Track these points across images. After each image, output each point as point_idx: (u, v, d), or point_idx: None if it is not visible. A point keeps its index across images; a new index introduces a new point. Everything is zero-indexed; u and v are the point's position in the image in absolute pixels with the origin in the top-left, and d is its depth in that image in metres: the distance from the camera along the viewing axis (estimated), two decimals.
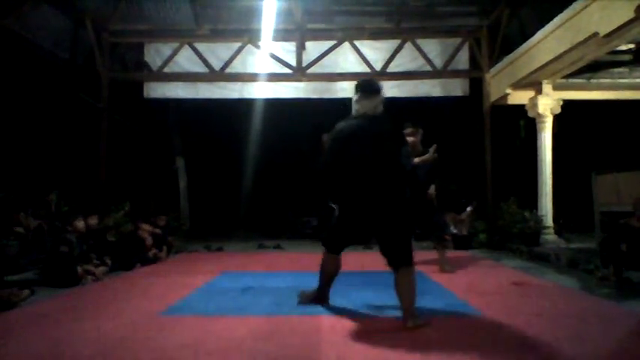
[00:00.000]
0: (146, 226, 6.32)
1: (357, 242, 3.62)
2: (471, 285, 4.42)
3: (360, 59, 8.46)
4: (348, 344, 2.70)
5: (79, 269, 4.68)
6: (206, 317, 3.31)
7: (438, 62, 8.46)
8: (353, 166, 3.23)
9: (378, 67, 8.45)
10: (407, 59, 8.50)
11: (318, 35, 8.42)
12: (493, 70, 8.11)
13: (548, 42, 6.16)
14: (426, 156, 4.77)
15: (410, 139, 5.08)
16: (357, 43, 8.49)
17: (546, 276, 4.99)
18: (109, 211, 7.29)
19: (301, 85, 8.62)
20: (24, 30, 6.57)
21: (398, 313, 3.38)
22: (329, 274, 3.57)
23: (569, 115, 7.71)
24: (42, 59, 7.24)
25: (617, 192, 6.22)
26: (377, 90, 3.47)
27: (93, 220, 5.36)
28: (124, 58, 8.89)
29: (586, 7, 5.25)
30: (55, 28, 7.32)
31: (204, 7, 8.00)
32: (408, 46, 8.46)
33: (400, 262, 3.14)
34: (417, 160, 4.90)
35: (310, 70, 8.41)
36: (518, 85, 7.36)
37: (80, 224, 5.10)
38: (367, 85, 3.50)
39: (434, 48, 8.52)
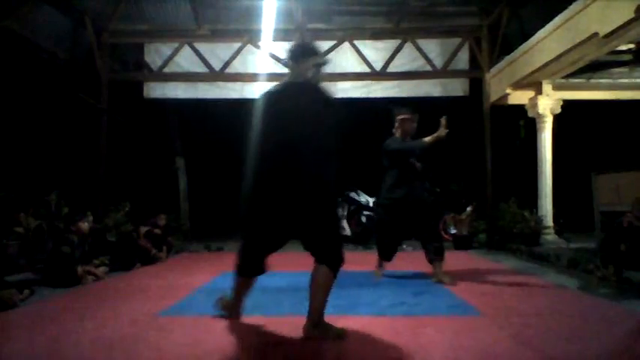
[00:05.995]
0: (144, 228, 6.31)
1: (278, 248, 2.99)
2: (471, 285, 4.43)
3: (360, 59, 8.46)
4: (348, 344, 2.70)
5: (79, 269, 4.69)
6: (206, 317, 3.31)
7: (438, 62, 8.45)
8: (282, 146, 2.68)
9: (378, 67, 8.45)
10: (407, 59, 8.50)
11: (318, 35, 8.39)
12: (493, 70, 8.10)
13: (548, 42, 6.16)
14: (440, 132, 4.26)
15: (399, 128, 4.66)
16: (357, 43, 8.48)
17: (546, 276, 4.99)
18: (108, 211, 7.30)
19: None
20: (24, 30, 6.56)
21: (398, 313, 3.40)
22: (244, 294, 3.17)
23: (569, 115, 7.70)
24: (42, 59, 7.24)
25: (617, 192, 6.21)
26: (307, 52, 2.86)
27: (88, 218, 5.35)
28: (124, 58, 8.89)
29: (586, 7, 5.24)
30: (55, 28, 7.31)
31: (204, 7, 8.01)
32: (408, 46, 8.46)
33: (336, 262, 2.77)
34: (427, 139, 4.31)
35: None
36: (518, 85, 7.36)
37: (84, 225, 5.11)
38: (296, 48, 2.91)
39: (434, 48, 8.51)
